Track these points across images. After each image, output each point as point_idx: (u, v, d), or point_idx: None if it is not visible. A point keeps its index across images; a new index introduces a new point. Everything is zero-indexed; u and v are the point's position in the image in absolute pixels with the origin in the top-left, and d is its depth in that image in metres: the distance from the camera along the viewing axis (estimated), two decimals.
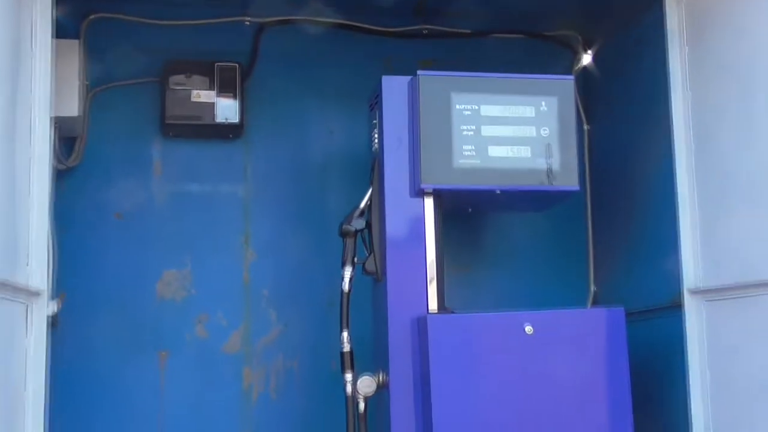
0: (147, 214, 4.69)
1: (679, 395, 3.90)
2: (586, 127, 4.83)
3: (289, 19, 4.70)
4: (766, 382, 3.55)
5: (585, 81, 4.93)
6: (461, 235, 4.69)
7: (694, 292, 3.87)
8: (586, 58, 4.99)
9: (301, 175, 4.82)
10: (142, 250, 4.67)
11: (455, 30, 4.76)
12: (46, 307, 3.58)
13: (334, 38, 4.73)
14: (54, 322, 4.19)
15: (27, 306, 3.39)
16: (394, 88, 4.01)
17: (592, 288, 4.90)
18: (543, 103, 4.00)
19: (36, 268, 3.45)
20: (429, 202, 4.00)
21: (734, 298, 3.70)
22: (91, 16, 4.52)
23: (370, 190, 4.06)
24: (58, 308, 4.16)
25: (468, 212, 4.50)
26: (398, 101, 4.00)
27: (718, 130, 3.77)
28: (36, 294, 3.43)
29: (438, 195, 3.98)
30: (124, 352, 4.60)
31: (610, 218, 4.80)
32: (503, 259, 4.95)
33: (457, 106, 3.92)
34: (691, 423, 3.84)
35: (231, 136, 4.72)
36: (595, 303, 4.80)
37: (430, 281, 3.98)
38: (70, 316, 4.39)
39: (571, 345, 3.89)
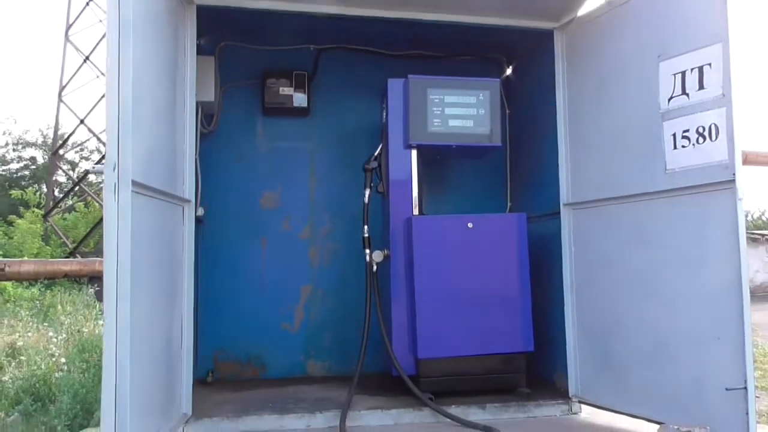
0: (254, 160, 4.80)
1: (558, 266, 3.98)
2: (508, 111, 4.81)
3: (336, 47, 4.77)
4: (602, 255, 3.68)
5: (508, 83, 4.96)
6: (436, 175, 4.79)
7: (566, 204, 3.98)
8: (509, 70, 5.01)
9: (343, 137, 4.85)
10: (251, 180, 4.78)
11: (432, 54, 4.76)
12: (194, 210, 3.69)
13: (361, 58, 4.79)
14: (199, 221, 4.37)
15: (183, 208, 3.54)
16: (395, 85, 4.18)
17: (509, 203, 4.93)
18: (480, 95, 4.08)
19: (188, 186, 3.56)
20: (414, 153, 4.14)
21: (588, 208, 3.82)
22: (222, 43, 4.64)
23: (380, 145, 4.16)
24: (203, 213, 4.33)
25: (438, 160, 4.58)
26: (397, 94, 4.16)
27: (582, 111, 3.90)
28: (188, 201, 3.56)
29: (419, 148, 4.08)
30: (241, 238, 4.73)
31: (520, 164, 4.87)
32: (459, 188, 4.97)
33: (430, 96, 4.02)
34: (565, 281, 3.93)
35: (303, 115, 4.81)
36: (510, 212, 4.84)
37: (415, 198, 4.08)
38: (209, 218, 4.56)
39: (495, 235, 4.02)
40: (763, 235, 19.71)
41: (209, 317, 4.56)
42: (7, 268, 8.28)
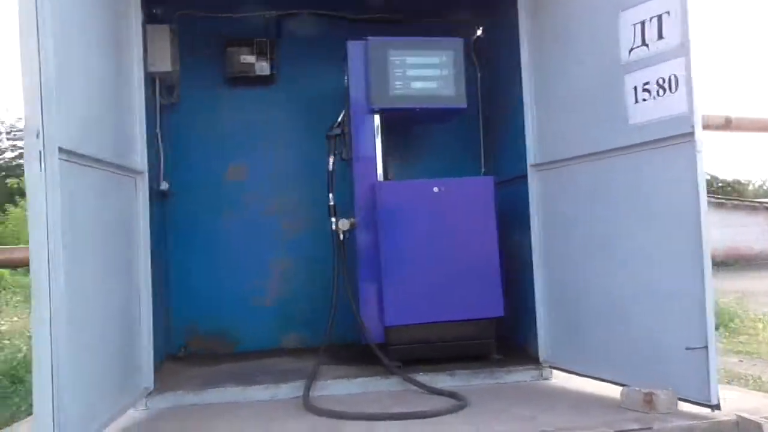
0: (218, 131, 4.71)
1: (526, 228, 3.89)
2: (478, 74, 4.73)
3: (299, 12, 4.67)
4: (567, 218, 3.62)
5: (479, 44, 4.86)
6: (407, 140, 4.72)
7: (532, 165, 3.89)
8: (479, 31, 4.90)
9: (310, 104, 4.73)
10: (217, 152, 4.71)
11: (399, 18, 4.59)
12: (148, 183, 3.58)
13: (325, 22, 4.67)
14: (165, 195, 4.30)
15: (135, 179, 3.45)
16: (355, 48, 4.07)
17: (483, 168, 4.85)
18: (443, 55, 4.00)
19: (140, 158, 3.50)
20: (377, 117, 4.08)
21: (553, 168, 3.74)
22: (178, 12, 4.50)
23: (343, 111, 4.07)
24: (167, 187, 4.28)
25: (406, 124, 4.46)
26: (357, 57, 4.06)
27: (547, 67, 3.77)
28: (140, 173, 3.50)
29: (381, 112, 4.00)
30: (209, 212, 4.67)
31: (492, 127, 4.77)
32: (433, 153, 4.88)
33: (391, 58, 3.95)
34: (533, 246, 3.84)
35: (267, 83, 4.72)
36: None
37: (380, 163, 3.99)
38: (177, 193, 4.52)
39: (462, 200, 3.95)
40: (761, 203, 19.56)
41: (181, 292, 4.53)
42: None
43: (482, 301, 3.85)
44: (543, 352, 3.77)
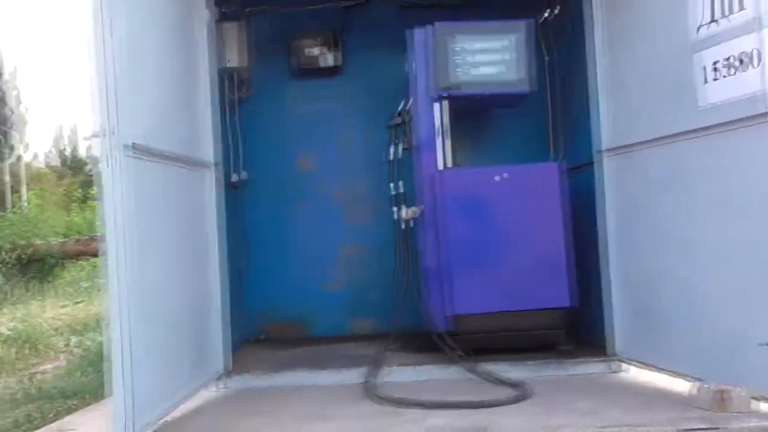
0: (290, 123, 4.84)
1: (602, 216, 3.71)
2: (547, 57, 4.50)
3: (361, 2, 4.69)
4: (638, 205, 3.45)
5: (547, 28, 4.58)
6: (474, 127, 4.63)
7: (602, 151, 3.70)
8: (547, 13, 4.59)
9: (377, 94, 4.67)
10: (288, 144, 4.85)
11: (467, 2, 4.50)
12: (221, 172, 3.73)
13: (392, 11, 4.66)
14: (236, 186, 4.47)
15: (205, 172, 3.60)
16: (419, 35, 4.02)
17: (554, 154, 4.65)
18: (508, 38, 3.92)
19: (212, 151, 3.66)
20: (442, 105, 3.99)
21: (623, 153, 3.57)
22: (248, 9, 4.63)
23: (403, 101, 4.06)
24: (246, 177, 4.45)
25: (473, 111, 4.37)
26: (421, 44, 4.01)
27: (619, 49, 3.57)
28: (210, 165, 3.65)
29: (446, 99, 3.94)
30: (282, 203, 4.83)
31: (563, 112, 4.57)
32: (501, 140, 4.75)
33: (455, 44, 3.97)
34: (602, 234, 3.70)
35: (335, 74, 4.79)
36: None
37: (444, 151, 3.96)
38: (253, 183, 4.70)
39: (530, 186, 3.86)
40: None
41: (257, 280, 4.72)
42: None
43: (548, 291, 3.76)
44: (615, 345, 3.63)
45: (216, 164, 3.65)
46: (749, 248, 2.75)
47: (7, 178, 20.41)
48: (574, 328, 3.88)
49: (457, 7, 4.50)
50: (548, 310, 3.79)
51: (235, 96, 4.52)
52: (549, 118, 4.66)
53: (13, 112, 22.07)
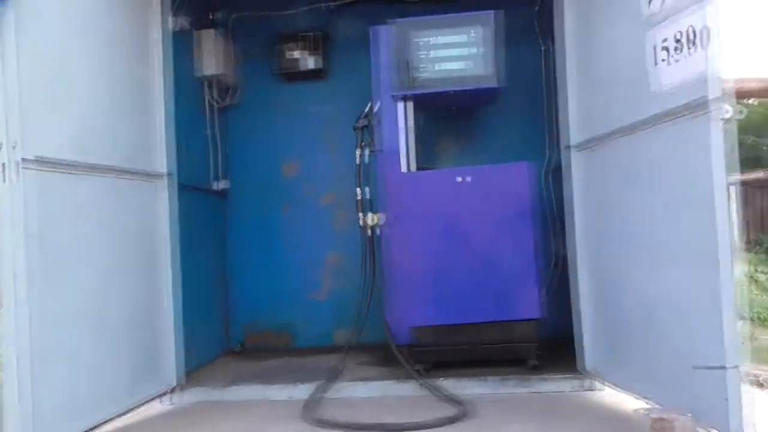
0: (274, 129, 4.74)
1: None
2: (543, 47, 4.22)
3: (350, 2, 4.51)
4: (603, 206, 3.15)
5: (542, 16, 4.20)
6: (455, 127, 4.42)
7: (568, 147, 3.42)
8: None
9: (362, 97, 4.23)
10: (272, 150, 4.75)
11: None
12: (174, 182, 3.63)
13: (377, 10, 4.32)
14: (224, 194, 4.42)
15: (155, 183, 3.53)
16: (379, 33, 3.86)
17: (548, 152, 4.27)
18: (472, 31, 3.67)
19: (166, 161, 3.59)
20: (402, 105, 3.84)
21: (587, 148, 3.28)
22: (234, 15, 4.61)
23: (370, 103, 3.88)
24: (227, 186, 4.40)
25: (450, 111, 4.17)
26: (382, 42, 3.83)
27: (587, 34, 3.28)
28: (162, 175, 3.58)
29: (406, 99, 3.77)
30: (265, 210, 4.74)
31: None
32: (489, 138, 4.54)
33: (415, 40, 3.73)
34: (570, 238, 3.43)
35: (318, 78, 4.70)
36: (549, 160, 4.20)
37: (404, 154, 3.76)
38: (236, 191, 4.66)
39: (495, 189, 3.63)
40: None
41: (240, 289, 4.67)
42: None
43: (516, 302, 3.49)
44: (585, 361, 3.30)
45: (170, 174, 3.59)
46: (687, 253, 2.41)
47: None
48: (553, 342, 3.57)
49: (447, 2, 4.25)
50: (517, 321, 3.51)
51: (215, 104, 4.47)
52: (544, 112, 4.31)
53: None
